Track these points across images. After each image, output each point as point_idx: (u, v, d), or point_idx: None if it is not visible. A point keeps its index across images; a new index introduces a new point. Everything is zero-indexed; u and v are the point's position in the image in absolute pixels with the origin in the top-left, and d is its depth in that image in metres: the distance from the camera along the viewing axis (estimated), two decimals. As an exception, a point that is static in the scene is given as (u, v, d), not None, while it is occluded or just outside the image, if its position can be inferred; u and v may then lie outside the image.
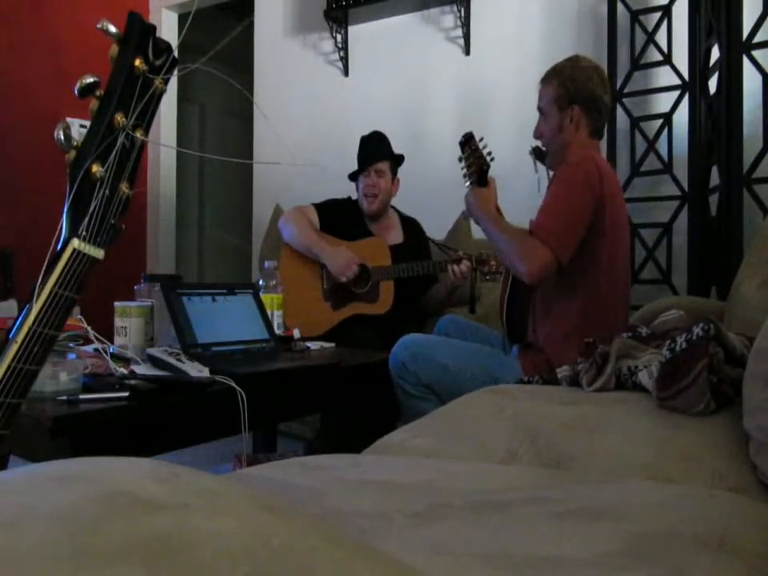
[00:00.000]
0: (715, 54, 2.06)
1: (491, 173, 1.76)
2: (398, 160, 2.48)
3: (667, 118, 2.34)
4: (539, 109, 1.76)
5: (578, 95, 1.68)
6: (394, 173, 2.47)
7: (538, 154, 1.79)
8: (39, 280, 0.68)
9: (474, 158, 1.73)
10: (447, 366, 1.65)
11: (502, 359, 1.73)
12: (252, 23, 3.52)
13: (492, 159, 1.74)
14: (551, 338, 1.66)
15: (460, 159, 1.77)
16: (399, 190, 2.51)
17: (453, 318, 2.05)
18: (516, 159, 2.20)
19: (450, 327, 1.99)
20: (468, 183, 1.76)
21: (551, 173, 1.78)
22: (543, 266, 1.53)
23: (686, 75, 2.29)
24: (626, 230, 1.72)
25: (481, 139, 1.74)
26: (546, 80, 1.74)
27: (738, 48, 1.90)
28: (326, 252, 2.31)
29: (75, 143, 0.70)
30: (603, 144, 2.42)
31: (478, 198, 1.72)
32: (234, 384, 1.30)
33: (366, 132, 2.51)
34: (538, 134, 1.77)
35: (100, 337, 1.38)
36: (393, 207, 2.55)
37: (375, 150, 2.44)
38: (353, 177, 2.49)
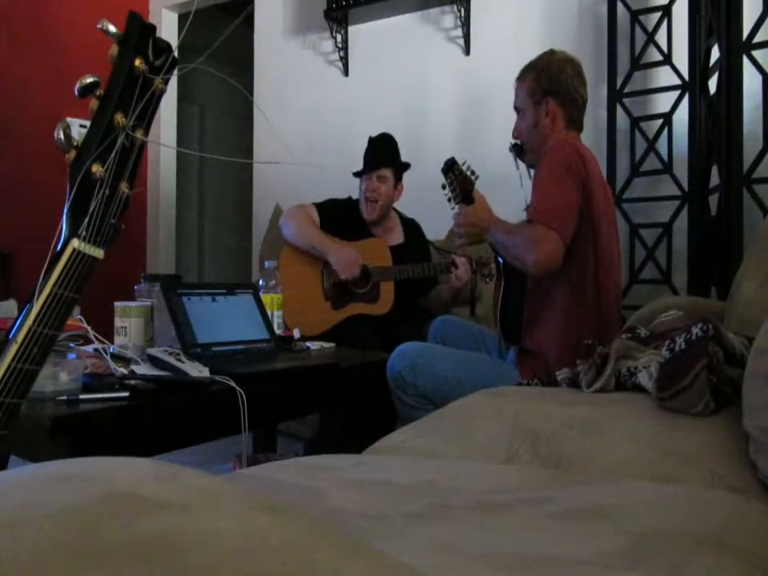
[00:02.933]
0: (715, 53, 2.06)
1: (480, 189, 1.73)
2: (403, 167, 2.47)
3: (667, 118, 2.34)
4: (516, 107, 1.75)
5: (552, 88, 1.67)
6: (398, 178, 2.46)
7: (517, 151, 1.78)
8: (39, 280, 0.68)
9: (459, 180, 1.70)
10: (447, 377, 1.63)
11: (501, 368, 1.71)
12: (252, 22, 3.51)
13: (476, 177, 1.71)
14: (547, 341, 1.64)
15: (444, 186, 1.72)
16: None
17: (446, 319, 2.04)
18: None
19: (445, 329, 1.98)
20: (455, 205, 1.73)
21: (532, 171, 1.76)
22: (551, 253, 1.49)
23: (686, 75, 2.29)
24: (612, 212, 1.71)
25: (464, 162, 1.72)
26: (521, 76, 1.74)
27: (737, 48, 1.90)
28: (330, 249, 2.29)
29: (75, 143, 0.70)
30: (603, 144, 2.43)
31: (473, 216, 1.67)
32: (234, 384, 1.30)
33: (366, 132, 2.50)
34: (516, 134, 1.76)
35: (100, 337, 1.38)
36: (393, 208, 2.54)
37: (381, 156, 2.42)
38: (357, 174, 2.49)
